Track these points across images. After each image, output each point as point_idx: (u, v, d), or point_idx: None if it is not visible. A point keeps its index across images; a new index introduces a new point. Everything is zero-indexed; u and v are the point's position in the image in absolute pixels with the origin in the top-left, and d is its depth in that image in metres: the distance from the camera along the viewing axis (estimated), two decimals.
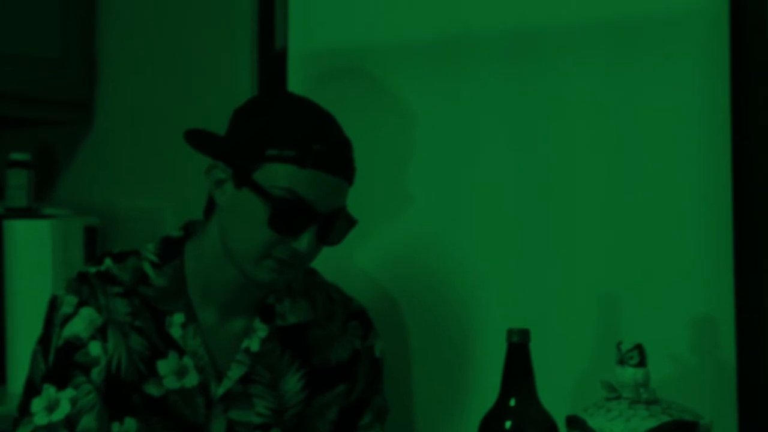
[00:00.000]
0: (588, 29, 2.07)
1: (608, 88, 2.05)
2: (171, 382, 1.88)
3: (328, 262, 2.00)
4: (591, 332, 2.02)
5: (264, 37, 2.50)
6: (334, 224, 1.85)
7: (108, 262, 1.90)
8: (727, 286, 1.94)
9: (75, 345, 1.84)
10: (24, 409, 1.84)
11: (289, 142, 1.81)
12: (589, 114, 2.07)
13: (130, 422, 1.85)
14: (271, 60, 2.49)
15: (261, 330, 1.92)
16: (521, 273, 2.12)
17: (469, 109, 2.19)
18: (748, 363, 1.94)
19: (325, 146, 1.82)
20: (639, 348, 1.68)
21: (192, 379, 1.88)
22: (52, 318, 1.87)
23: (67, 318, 1.86)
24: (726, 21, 1.93)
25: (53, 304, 1.88)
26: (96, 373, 1.84)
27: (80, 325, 1.85)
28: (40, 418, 1.81)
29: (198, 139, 1.90)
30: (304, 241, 1.82)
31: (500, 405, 1.64)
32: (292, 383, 1.94)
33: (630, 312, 2.00)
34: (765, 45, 1.92)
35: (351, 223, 1.88)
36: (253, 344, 1.91)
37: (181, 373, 1.88)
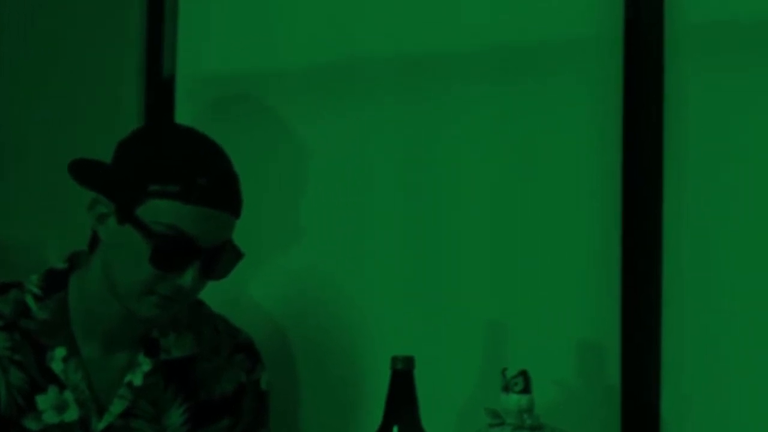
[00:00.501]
0: (481, 54, 2.08)
1: (501, 112, 2.06)
2: (50, 417, 1.84)
3: (217, 294, 1.97)
4: (477, 359, 2.02)
5: (151, 64, 2.47)
6: (220, 258, 1.83)
7: None
8: (613, 311, 1.96)
9: None
10: None
11: (173, 176, 1.78)
12: (481, 139, 2.08)
13: None
14: (159, 87, 2.46)
15: (145, 364, 1.89)
16: (408, 300, 2.11)
17: (360, 138, 2.18)
18: (633, 387, 1.95)
19: (211, 180, 1.80)
20: (524, 374, 1.68)
21: (72, 414, 1.84)
22: None
23: None
24: (620, 46, 1.95)
25: None
26: None
27: None
28: None
29: (82, 171, 1.86)
30: (188, 277, 1.80)
31: None
32: (175, 417, 1.91)
33: (516, 338, 2.00)
34: (657, 69, 1.94)
35: (238, 256, 1.86)
36: (136, 378, 1.88)
37: (60, 407, 1.84)
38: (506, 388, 1.68)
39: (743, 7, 1.87)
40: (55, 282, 1.89)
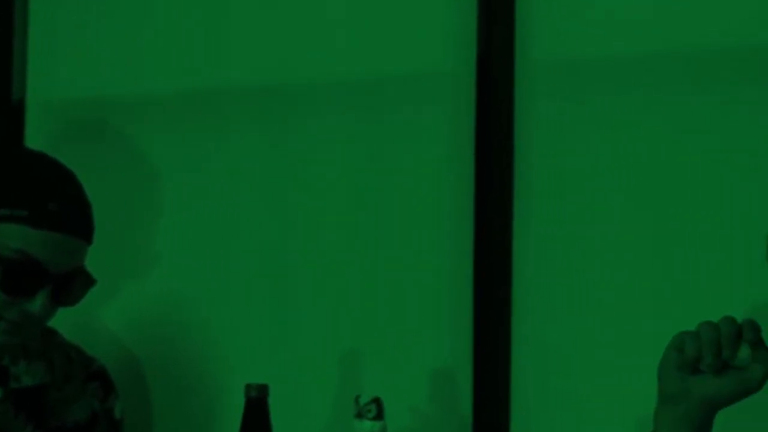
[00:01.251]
0: (340, 86, 2.10)
1: (359, 143, 2.08)
2: None
3: (69, 320, 1.95)
4: (331, 386, 2.02)
5: (0, 88, 2.42)
6: (71, 285, 1.81)
7: None
8: (466, 339, 1.98)
9: None
10: None
11: (22, 201, 1.76)
12: (338, 171, 2.09)
13: None
14: (8, 111, 2.41)
15: None
16: (263, 327, 2.10)
17: (218, 165, 2.17)
18: (484, 413, 1.98)
19: (61, 206, 1.77)
20: (377, 401, 1.69)
21: None
22: None
23: None
24: (473, 82, 1.99)
25: None
26: None
27: None
28: None
29: None
30: (36, 303, 1.77)
31: None
32: None
33: (370, 365, 2.01)
34: (508, 104, 1.98)
35: (89, 282, 1.84)
36: None
37: None
38: (359, 415, 1.69)
39: (584, 46, 1.94)
40: None
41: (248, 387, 1.65)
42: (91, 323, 2.18)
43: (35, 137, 2.29)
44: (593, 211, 1.93)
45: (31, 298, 1.77)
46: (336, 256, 2.07)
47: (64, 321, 1.91)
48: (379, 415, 1.68)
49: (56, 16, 2.30)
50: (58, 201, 1.77)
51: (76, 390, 1.94)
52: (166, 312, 2.19)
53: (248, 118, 2.16)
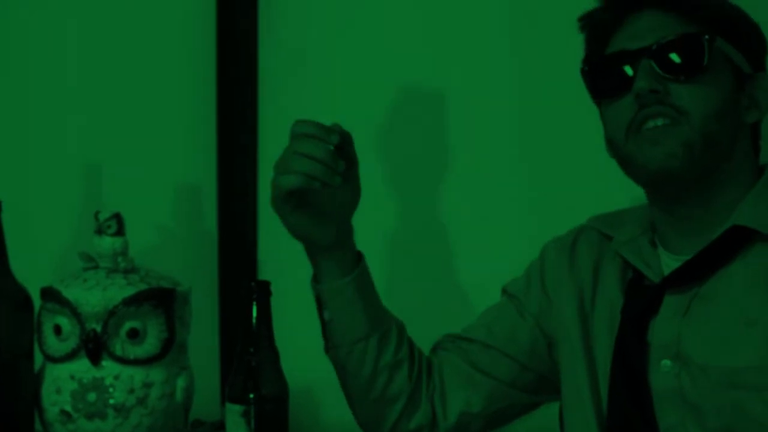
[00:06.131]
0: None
1: None
2: None
3: None
4: (73, 203, 1.96)
5: None
6: None
7: None
8: (211, 153, 1.96)
9: None
10: None
11: None
12: None
13: None
14: None
15: None
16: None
17: None
18: (230, 229, 1.98)
19: None
20: (117, 217, 1.65)
21: None
22: None
23: None
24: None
25: None
26: None
27: None
28: None
29: None
30: None
31: None
32: None
33: (112, 180, 1.96)
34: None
35: None
36: None
37: None
38: (99, 231, 1.65)
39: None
40: None
41: None
42: None
43: None
44: None
45: None
46: (76, 71, 1.99)
47: None
48: (120, 231, 1.65)
49: None
50: None
51: None
52: None
53: None
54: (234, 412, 1.43)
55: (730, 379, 1.34)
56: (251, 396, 1.42)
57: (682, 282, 1.40)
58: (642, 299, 1.42)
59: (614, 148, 1.43)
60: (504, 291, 1.59)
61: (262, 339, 1.44)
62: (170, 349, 1.61)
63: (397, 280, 1.87)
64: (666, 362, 1.38)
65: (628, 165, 1.41)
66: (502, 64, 1.87)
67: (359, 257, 1.49)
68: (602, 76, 1.42)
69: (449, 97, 1.89)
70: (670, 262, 1.43)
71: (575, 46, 1.47)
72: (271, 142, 1.93)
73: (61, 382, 1.60)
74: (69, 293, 1.60)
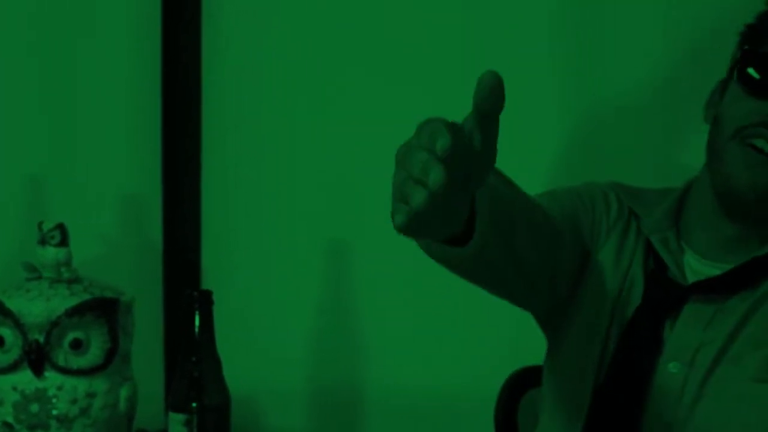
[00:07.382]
0: None
1: None
2: None
3: None
4: (15, 212, 1.96)
5: None
6: None
7: None
8: (155, 163, 1.96)
9: None
10: None
11: None
12: None
13: None
14: None
15: None
16: None
17: None
18: (174, 238, 1.98)
19: None
20: (60, 227, 1.65)
21: None
22: None
23: None
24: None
25: None
26: None
27: None
28: None
29: None
30: None
31: None
32: None
33: (55, 191, 1.96)
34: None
35: None
36: None
37: None
38: (43, 242, 1.65)
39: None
40: None
41: None
42: None
43: None
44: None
45: None
46: (20, 80, 1.99)
47: None
48: (64, 242, 1.65)
49: None
50: None
51: None
52: None
53: None
54: (177, 422, 1.44)
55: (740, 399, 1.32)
56: (194, 405, 1.44)
57: (712, 291, 1.37)
58: (664, 295, 1.38)
59: (718, 132, 1.37)
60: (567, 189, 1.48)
61: (204, 348, 1.46)
62: (113, 359, 1.61)
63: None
64: (675, 364, 1.36)
65: (721, 162, 1.36)
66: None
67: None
68: (762, 69, 1.34)
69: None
70: (692, 263, 1.41)
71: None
72: (216, 152, 1.95)
73: (4, 393, 1.59)
74: (12, 304, 1.59)
